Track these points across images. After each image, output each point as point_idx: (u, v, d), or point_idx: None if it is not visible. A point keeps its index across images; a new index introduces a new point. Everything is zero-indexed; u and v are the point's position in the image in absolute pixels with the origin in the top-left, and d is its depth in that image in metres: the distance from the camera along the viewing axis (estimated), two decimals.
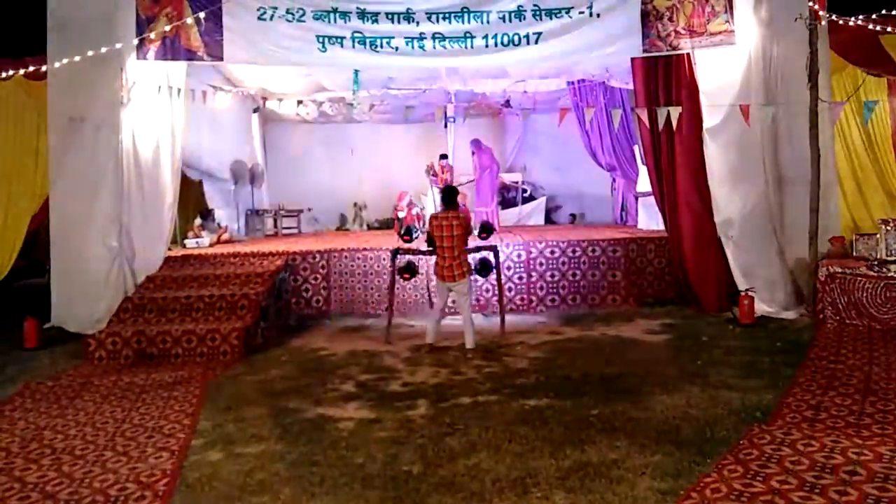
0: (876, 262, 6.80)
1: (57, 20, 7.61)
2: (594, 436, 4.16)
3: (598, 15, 7.62)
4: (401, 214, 11.75)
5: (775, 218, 7.54)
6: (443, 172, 11.13)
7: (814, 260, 7.16)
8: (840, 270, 6.83)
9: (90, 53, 7.29)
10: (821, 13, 7.09)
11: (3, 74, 7.60)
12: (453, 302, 6.98)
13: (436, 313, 6.74)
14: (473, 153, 11.07)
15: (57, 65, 7.34)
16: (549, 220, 13.11)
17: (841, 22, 7.25)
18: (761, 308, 7.27)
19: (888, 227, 7.09)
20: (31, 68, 7.48)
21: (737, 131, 7.44)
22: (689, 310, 7.83)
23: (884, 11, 7.29)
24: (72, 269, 7.64)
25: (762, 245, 7.52)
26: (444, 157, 11.41)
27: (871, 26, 7.21)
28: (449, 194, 6.82)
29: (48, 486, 3.72)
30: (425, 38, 7.70)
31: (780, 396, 4.73)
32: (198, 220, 10.10)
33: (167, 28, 7.59)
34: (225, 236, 10.08)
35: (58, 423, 4.79)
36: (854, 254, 7.32)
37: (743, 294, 7.18)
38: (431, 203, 11.17)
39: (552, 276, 8.38)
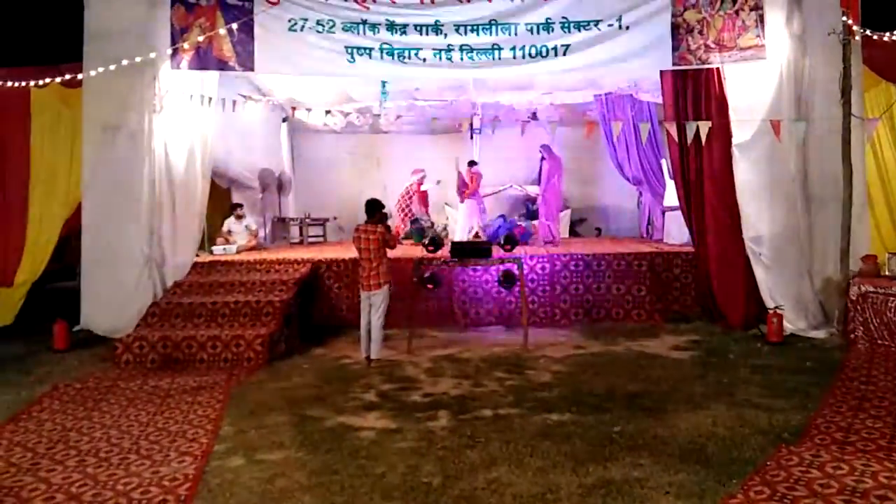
0: None
1: (93, 29, 7.82)
2: (617, 453, 4.11)
3: (628, 27, 7.59)
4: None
5: (805, 235, 7.41)
6: (472, 181, 11.00)
7: (845, 278, 7.02)
8: (872, 290, 6.69)
9: (125, 62, 7.46)
10: (854, 28, 6.99)
11: (41, 82, 7.79)
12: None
13: (364, 325, 6.67)
14: (543, 158, 10.69)
15: (93, 73, 7.52)
16: (574, 232, 13.03)
17: (875, 37, 7.12)
18: (790, 326, 7.14)
19: None
20: (68, 76, 7.65)
21: (767, 147, 7.34)
22: (716, 326, 7.72)
23: None
24: (102, 274, 7.79)
25: (791, 262, 7.39)
26: (473, 163, 11.31)
27: None
28: (370, 207, 6.79)
29: (73, 487, 3.77)
30: (453, 49, 7.74)
31: (809, 417, 4.63)
32: (230, 220, 10.18)
33: (200, 38, 7.73)
34: (252, 243, 10.17)
35: (84, 424, 4.86)
36: (887, 273, 7.16)
37: (771, 312, 7.06)
38: (462, 217, 10.98)
39: (576, 289, 8.32)
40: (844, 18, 6.94)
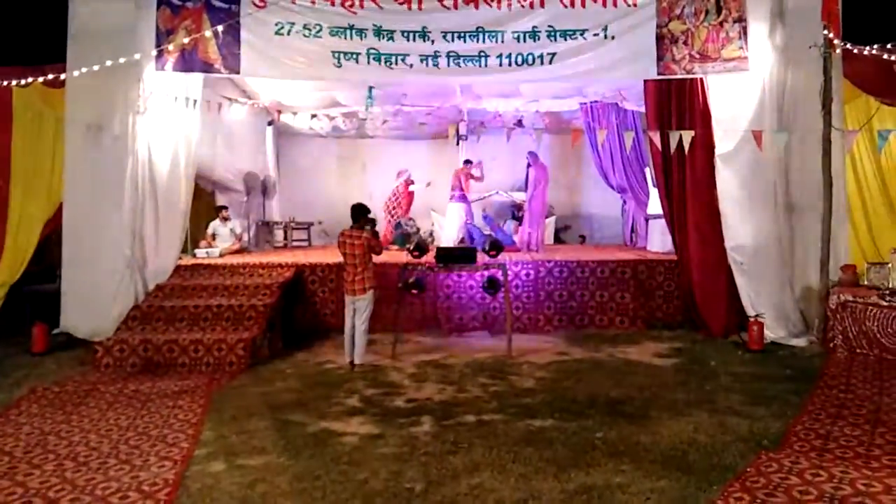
0: (888, 292, 6.74)
1: (77, 29, 7.76)
2: (599, 459, 4.13)
3: (613, 37, 7.65)
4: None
5: (785, 244, 7.51)
6: (466, 179, 11.01)
7: (824, 287, 7.11)
8: (851, 299, 6.78)
9: (109, 63, 7.39)
10: (835, 42, 7.10)
11: (23, 81, 7.71)
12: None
13: (348, 330, 6.67)
14: (529, 165, 10.63)
15: (76, 73, 7.45)
16: (558, 239, 13.09)
17: (856, 51, 7.25)
18: (770, 334, 7.22)
19: None
20: (51, 76, 7.57)
21: (749, 157, 7.43)
22: (698, 334, 7.78)
23: None
24: (83, 276, 7.71)
25: (772, 271, 7.47)
26: (468, 162, 11.32)
27: (885, 56, 7.20)
28: (355, 212, 6.77)
29: (50, 491, 3.72)
30: (440, 55, 7.75)
31: (789, 424, 4.68)
32: (215, 222, 10.14)
33: (186, 40, 7.69)
34: (236, 246, 10.12)
35: (62, 428, 4.80)
36: (865, 282, 7.26)
37: (752, 320, 7.14)
38: (455, 217, 10.90)
39: (560, 296, 8.35)
40: (826, 32, 7.05)
